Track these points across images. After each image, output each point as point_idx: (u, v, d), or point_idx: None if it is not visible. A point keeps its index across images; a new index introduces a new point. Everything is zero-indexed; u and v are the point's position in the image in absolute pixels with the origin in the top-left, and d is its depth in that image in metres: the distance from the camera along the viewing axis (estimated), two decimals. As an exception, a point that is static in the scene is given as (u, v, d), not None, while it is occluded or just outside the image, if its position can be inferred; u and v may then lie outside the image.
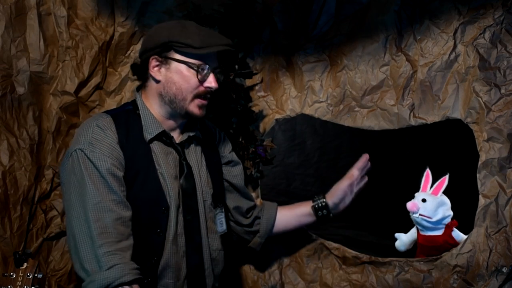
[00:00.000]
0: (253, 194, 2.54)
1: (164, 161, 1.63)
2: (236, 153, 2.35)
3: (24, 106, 2.09)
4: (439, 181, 2.29)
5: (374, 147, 2.44)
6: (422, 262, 2.24)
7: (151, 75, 1.64)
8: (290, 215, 2.01)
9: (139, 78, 1.72)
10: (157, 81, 1.64)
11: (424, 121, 2.26)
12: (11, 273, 1.48)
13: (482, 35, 2.15)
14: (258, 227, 2.00)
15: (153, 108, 1.67)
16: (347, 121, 2.41)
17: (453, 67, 2.22)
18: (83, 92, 2.27)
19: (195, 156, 1.74)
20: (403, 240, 2.40)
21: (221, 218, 1.75)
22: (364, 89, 2.37)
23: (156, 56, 1.62)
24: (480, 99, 2.15)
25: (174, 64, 1.60)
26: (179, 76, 1.59)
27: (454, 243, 2.22)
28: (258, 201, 2.53)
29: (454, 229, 2.24)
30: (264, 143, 2.44)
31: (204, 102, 1.64)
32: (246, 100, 2.45)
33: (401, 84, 2.31)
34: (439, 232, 2.27)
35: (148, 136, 1.63)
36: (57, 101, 2.20)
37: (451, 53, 2.21)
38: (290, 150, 2.53)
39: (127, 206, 1.53)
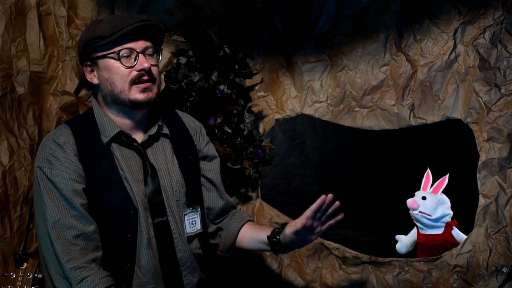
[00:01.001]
0: (253, 194, 2.54)
1: (126, 165, 1.59)
2: (235, 153, 2.35)
3: (24, 106, 2.09)
4: (439, 180, 2.29)
5: (374, 147, 2.44)
6: (422, 262, 2.24)
7: (90, 82, 1.62)
8: (251, 238, 1.79)
9: (89, 87, 1.70)
10: (97, 85, 1.62)
11: (424, 121, 2.26)
12: (11, 273, 1.48)
13: (482, 35, 2.15)
14: (218, 240, 1.84)
15: (107, 111, 1.63)
16: (347, 121, 2.41)
17: (453, 67, 2.22)
18: (83, 92, 2.27)
19: (163, 154, 1.67)
20: (403, 241, 2.40)
21: (193, 218, 1.67)
22: (364, 89, 2.37)
23: (85, 62, 1.60)
24: (480, 99, 2.15)
25: (100, 62, 1.56)
26: (108, 71, 1.55)
27: (454, 242, 2.22)
28: (257, 202, 2.53)
29: (454, 228, 2.24)
30: (263, 144, 2.44)
31: (144, 85, 1.56)
32: (246, 100, 2.45)
33: (401, 84, 2.31)
34: (439, 231, 2.27)
35: (105, 139, 1.59)
36: (57, 101, 2.20)
37: (451, 53, 2.22)
38: (290, 150, 2.52)
39: (89, 220, 1.51)
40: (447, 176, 2.26)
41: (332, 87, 2.44)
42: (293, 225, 1.61)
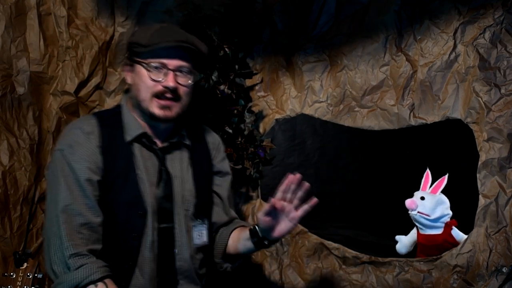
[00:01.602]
0: (253, 194, 2.54)
1: (144, 166, 1.59)
2: (236, 153, 2.35)
3: (24, 106, 2.09)
4: (438, 180, 2.29)
5: (374, 147, 2.44)
6: (422, 262, 2.24)
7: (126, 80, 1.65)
8: (238, 238, 1.72)
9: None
10: (130, 85, 1.63)
11: (424, 121, 2.26)
12: (11, 273, 1.48)
13: (482, 35, 2.15)
14: (214, 251, 1.79)
15: (133, 112, 1.64)
16: (347, 121, 2.41)
17: (453, 67, 2.22)
18: (83, 92, 2.27)
19: (179, 163, 1.67)
20: (403, 242, 2.40)
21: (200, 230, 1.67)
22: (364, 89, 2.37)
23: (126, 61, 1.62)
24: (480, 99, 2.15)
25: (136, 66, 1.57)
26: (138, 77, 1.56)
27: (454, 242, 2.23)
28: (258, 202, 2.54)
29: (454, 228, 2.24)
30: (264, 144, 2.44)
31: (163, 102, 1.56)
32: (246, 100, 2.45)
33: (401, 84, 2.31)
34: (438, 231, 2.27)
35: (128, 138, 1.60)
36: (57, 101, 2.20)
37: (451, 53, 2.22)
38: (290, 150, 2.52)
39: (98, 212, 1.52)
40: (446, 176, 2.26)
41: (332, 87, 2.44)
42: (263, 208, 1.58)
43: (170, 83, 1.54)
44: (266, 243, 1.62)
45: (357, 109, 2.39)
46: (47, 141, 2.17)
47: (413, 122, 2.28)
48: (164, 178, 1.62)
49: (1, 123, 2.00)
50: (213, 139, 1.83)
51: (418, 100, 2.27)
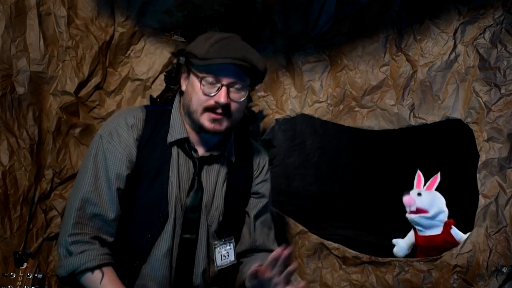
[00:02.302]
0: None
1: (178, 170, 1.58)
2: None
3: (24, 106, 2.09)
4: (432, 178, 2.30)
5: (374, 147, 2.44)
6: (422, 262, 2.24)
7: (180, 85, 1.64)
8: (242, 277, 1.67)
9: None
10: (183, 92, 1.61)
11: (424, 121, 2.26)
12: (11, 273, 1.48)
13: (482, 35, 2.15)
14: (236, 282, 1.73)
15: (183, 116, 1.62)
16: (347, 121, 2.41)
17: (453, 67, 2.22)
18: (83, 92, 2.27)
19: (215, 177, 1.64)
20: (401, 245, 2.40)
21: (223, 251, 1.63)
22: (364, 89, 2.37)
23: (184, 67, 1.59)
24: (480, 99, 2.15)
25: (192, 76, 1.55)
26: (191, 88, 1.55)
27: (454, 242, 2.23)
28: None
29: (453, 227, 2.24)
30: (264, 144, 2.44)
31: (216, 116, 1.53)
32: (246, 100, 2.45)
33: (401, 84, 2.31)
34: (437, 231, 2.28)
35: (170, 139, 1.58)
36: (57, 101, 2.20)
37: (451, 53, 2.22)
38: (290, 150, 2.52)
39: (116, 208, 1.52)
40: (439, 174, 2.27)
41: (332, 87, 2.44)
42: (248, 272, 1.50)
43: (222, 99, 1.51)
44: None
45: (357, 109, 2.39)
46: (47, 141, 2.17)
47: (413, 122, 2.28)
48: (196, 188, 1.60)
49: (1, 123, 2.00)
50: (259, 159, 1.78)
51: (418, 100, 2.27)
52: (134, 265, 1.55)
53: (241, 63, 1.50)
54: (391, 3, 2.28)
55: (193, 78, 1.54)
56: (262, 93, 2.56)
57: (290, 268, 1.43)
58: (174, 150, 1.60)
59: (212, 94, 1.51)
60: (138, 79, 2.41)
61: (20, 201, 2.04)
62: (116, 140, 1.54)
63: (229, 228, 1.66)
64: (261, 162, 1.77)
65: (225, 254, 1.64)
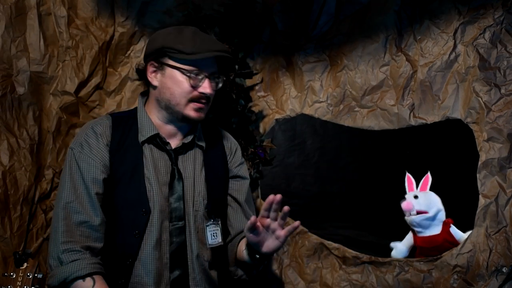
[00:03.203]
0: (253, 194, 2.54)
1: (153, 166, 1.64)
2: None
3: (24, 106, 2.09)
4: (423, 179, 2.30)
5: (374, 147, 2.44)
6: (422, 262, 2.24)
7: (148, 81, 1.67)
8: (239, 250, 1.73)
9: (144, 82, 1.73)
10: (154, 87, 1.67)
11: (424, 121, 2.26)
12: (11, 273, 1.48)
13: (482, 35, 2.15)
14: (229, 259, 1.79)
15: (152, 113, 1.70)
16: (347, 121, 2.41)
17: (453, 67, 2.22)
18: (83, 92, 2.27)
19: (193, 164, 1.71)
20: (399, 248, 2.40)
21: (214, 231, 1.70)
22: (364, 89, 2.37)
23: (152, 62, 1.64)
24: (480, 99, 2.15)
25: (168, 70, 1.61)
26: (172, 82, 1.61)
27: (454, 241, 2.23)
28: (258, 202, 2.53)
29: (452, 226, 2.24)
30: (264, 144, 2.44)
31: (200, 105, 1.64)
32: (246, 100, 2.45)
33: (401, 84, 2.31)
34: (437, 231, 2.28)
35: (141, 138, 1.66)
36: (57, 101, 2.20)
37: (451, 53, 2.22)
38: (290, 150, 2.52)
39: (99, 212, 1.57)
40: (429, 173, 2.28)
41: (332, 87, 2.44)
42: (246, 224, 1.55)
43: (208, 90, 1.62)
44: (257, 256, 1.61)
45: (357, 109, 2.39)
46: (47, 141, 2.17)
47: (413, 122, 2.28)
48: (176, 178, 1.67)
49: (1, 123, 2.00)
50: (230, 143, 1.87)
51: (418, 100, 2.27)
52: (127, 264, 1.59)
53: (223, 54, 1.61)
54: (391, 3, 2.28)
55: (172, 72, 1.60)
56: (262, 93, 2.56)
57: (285, 209, 1.49)
58: (146, 147, 1.66)
59: (198, 85, 1.61)
60: (138, 79, 2.41)
61: (20, 201, 2.04)
62: (87, 149, 1.61)
63: (214, 209, 1.72)
64: (232, 146, 1.86)
65: (214, 234, 1.70)
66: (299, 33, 2.47)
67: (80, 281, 1.48)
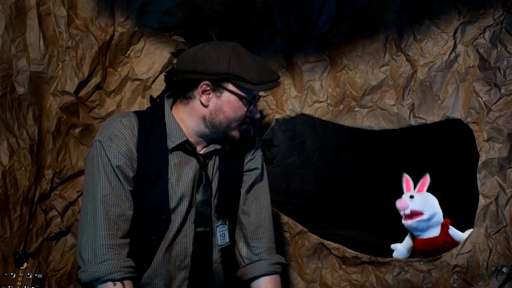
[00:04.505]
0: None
1: (178, 171, 1.62)
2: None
3: (24, 106, 2.10)
4: (421, 180, 2.30)
5: (374, 147, 2.44)
6: (422, 262, 2.24)
7: (199, 99, 1.60)
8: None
9: (174, 89, 1.67)
10: (205, 106, 1.61)
11: (424, 121, 2.26)
12: (11, 273, 1.48)
13: (482, 35, 2.15)
14: (241, 267, 1.80)
15: (184, 121, 1.64)
16: (347, 121, 2.41)
17: (453, 67, 2.22)
18: (83, 92, 2.27)
19: (212, 166, 1.70)
20: (400, 250, 2.40)
21: (222, 231, 1.70)
22: (364, 89, 2.37)
23: (208, 82, 1.57)
24: (480, 99, 2.15)
25: (226, 94, 1.57)
26: (229, 107, 1.59)
27: (453, 242, 2.23)
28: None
29: (451, 227, 2.24)
30: (264, 143, 2.44)
31: (245, 126, 1.66)
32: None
33: (401, 84, 2.31)
34: (436, 233, 2.28)
35: (171, 145, 1.62)
36: (57, 101, 2.20)
37: (451, 53, 2.22)
38: (290, 150, 2.52)
39: (132, 206, 1.56)
40: (428, 175, 2.27)
41: (332, 87, 2.44)
42: None
43: (258, 114, 1.66)
44: None
45: (357, 109, 2.39)
46: (47, 141, 2.18)
47: (413, 122, 2.28)
48: (204, 183, 1.65)
49: (1, 123, 2.00)
50: (248, 137, 1.82)
51: (418, 100, 2.27)
52: (140, 268, 1.57)
53: (278, 84, 1.63)
54: (391, 3, 2.28)
55: (230, 97, 1.58)
56: (262, 93, 2.56)
57: None
58: (174, 153, 1.63)
59: (252, 111, 1.63)
60: (138, 79, 2.42)
61: (20, 201, 2.04)
62: (117, 143, 1.56)
63: (223, 209, 1.71)
64: (248, 139, 1.82)
65: (223, 234, 1.71)
66: (299, 33, 2.47)
67: (110, 284, 1.46)
